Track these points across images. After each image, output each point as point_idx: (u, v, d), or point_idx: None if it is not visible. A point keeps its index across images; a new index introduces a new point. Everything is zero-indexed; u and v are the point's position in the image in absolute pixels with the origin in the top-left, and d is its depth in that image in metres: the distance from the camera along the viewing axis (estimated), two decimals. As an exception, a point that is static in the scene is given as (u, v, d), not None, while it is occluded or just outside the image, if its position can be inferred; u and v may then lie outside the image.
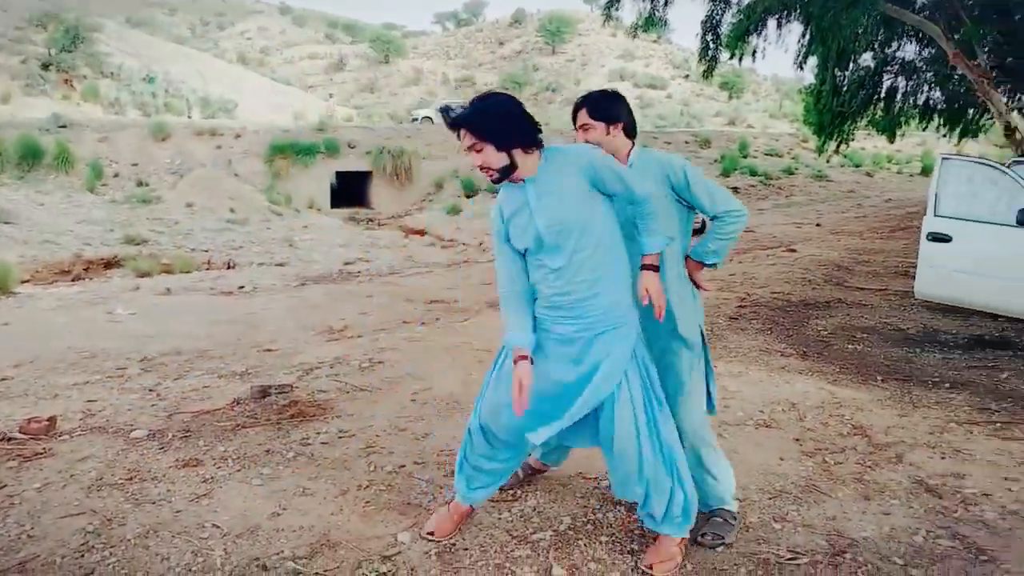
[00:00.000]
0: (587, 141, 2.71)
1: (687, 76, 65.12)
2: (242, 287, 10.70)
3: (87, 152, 20.51)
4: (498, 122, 2.41)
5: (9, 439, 3.78)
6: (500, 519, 2.94)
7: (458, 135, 2.47)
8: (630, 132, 2.76)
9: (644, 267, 2.52)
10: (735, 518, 2.82)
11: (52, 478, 3.26)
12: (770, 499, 3.12)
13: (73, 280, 12.37)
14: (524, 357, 2.49)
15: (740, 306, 7.22)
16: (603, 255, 2.46)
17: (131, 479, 3.31)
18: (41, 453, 3.56)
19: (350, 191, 24.19)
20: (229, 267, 13.80)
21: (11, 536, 2.80)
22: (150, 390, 4.77)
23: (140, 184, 20.01)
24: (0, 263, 10.06)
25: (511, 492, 3.16)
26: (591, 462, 3.46)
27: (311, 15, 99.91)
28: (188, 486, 3.23)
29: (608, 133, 2.72)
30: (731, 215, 2.65)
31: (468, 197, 23.13)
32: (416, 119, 34.16)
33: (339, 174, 24.03)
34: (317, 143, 23.59)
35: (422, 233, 19.70)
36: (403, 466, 3.46)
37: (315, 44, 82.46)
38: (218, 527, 2.88)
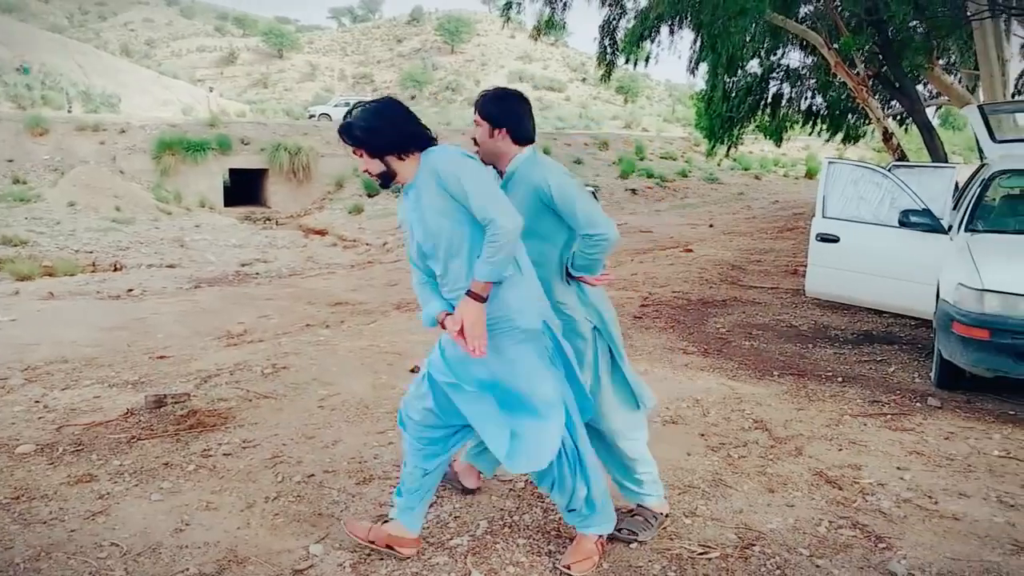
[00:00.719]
0: (475, 138, 2.71)
1: (584, 79, 66.54)
2: (131, 290, 10.17)
3: (-47, 146, 18.98)
4: (366, 129, 2.40)
5: None
6: (416, 525, 2.90)
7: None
8: (518, 138, 2.65)
9: (467, 293, 2.35)
10: (656, 517, 2.86)
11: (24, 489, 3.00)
12: (680, 494, 3.22)
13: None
14: (447, 315, 2.45)
15: (643, 305, 7.42)
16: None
17: (18, 498, 3.08)
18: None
19: (245, 189, 23.37)
20: (116, 269, 13.07)
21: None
22: (36, 401, 4.45)
23: (16, 182, 18.66)
24: None
25: (426, 497, 3.12)
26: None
27: (199, 7, 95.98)
28: (82, 503, 3.03)
29: (491, 136, 2.64)
30: (593, 239, 2.57)
31: (370, 196, 22.77)
32: (313, 115, 33.34)
33: (233, 171, 23.16)
34: (208, 139, 22.65)
35: (323, 233, 19.27)
36: (312, 475, 3.37)
37: (204, 37, 79.25)
38: (117, 545, 2.71)
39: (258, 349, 5.94)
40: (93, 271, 12.87)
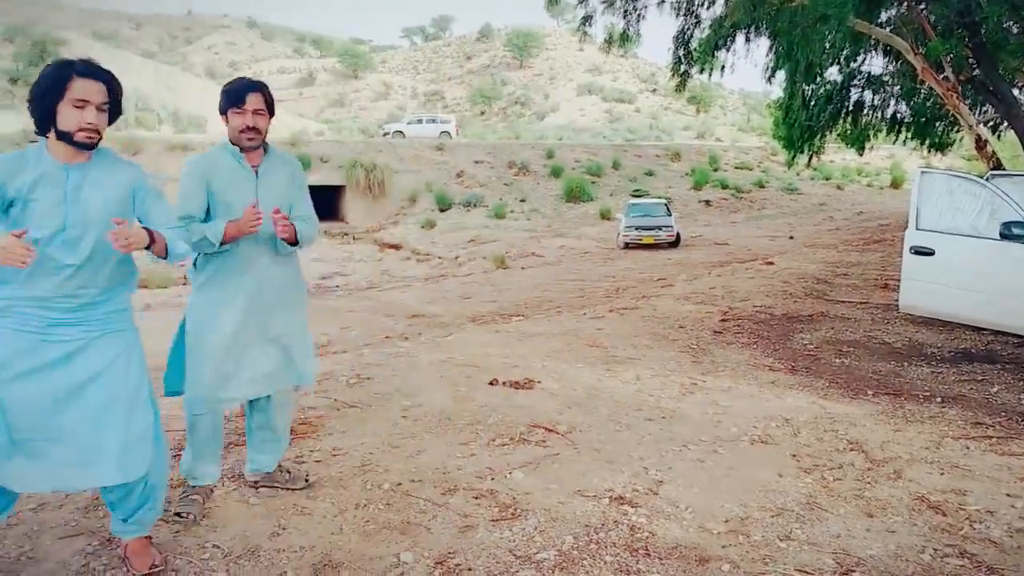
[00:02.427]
0: (256, 127, 2.90)
1: (655, 90, 65.99)
2: (218, 303, 10.58)
3: (53, 167, 20.17)
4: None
5: None
6: (502, 538, 2.93)
7: None
8: None
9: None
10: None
11: (47, 498, 3.18)
12: (772, 517, 3.15)
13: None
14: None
15: (723, 320, 7.30)
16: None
17: (124, 501, 3.24)
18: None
19: (323, 205, 24.04)
20: (202, 283, 13.62)
21: (11, 558, 2.73)
22: (136, 409, 4.67)
23: (109, 199, 19.68)
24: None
25: (511, 510, 3.15)
26: (588, 479, 3.48)
27: (279, 30, 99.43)
28: (186, 505, 3.16)
29: (268, 123, 3.00)
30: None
31: (442, 211, 23.12)
32: (387, 133, 34.10)
33: (312, 188, 23.79)
34: (289, 158, 23.44)
35: (398, 247, 19.64)
36: (400, 484, 3.43)
37: (284, 58, 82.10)
38: (219, 547, 2.83)
39: (342, 360, 6.09)
40: (185, 284, 13.44)
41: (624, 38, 13.57)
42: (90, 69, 2.34)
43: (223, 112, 2.93)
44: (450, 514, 3.12)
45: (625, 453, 3.80)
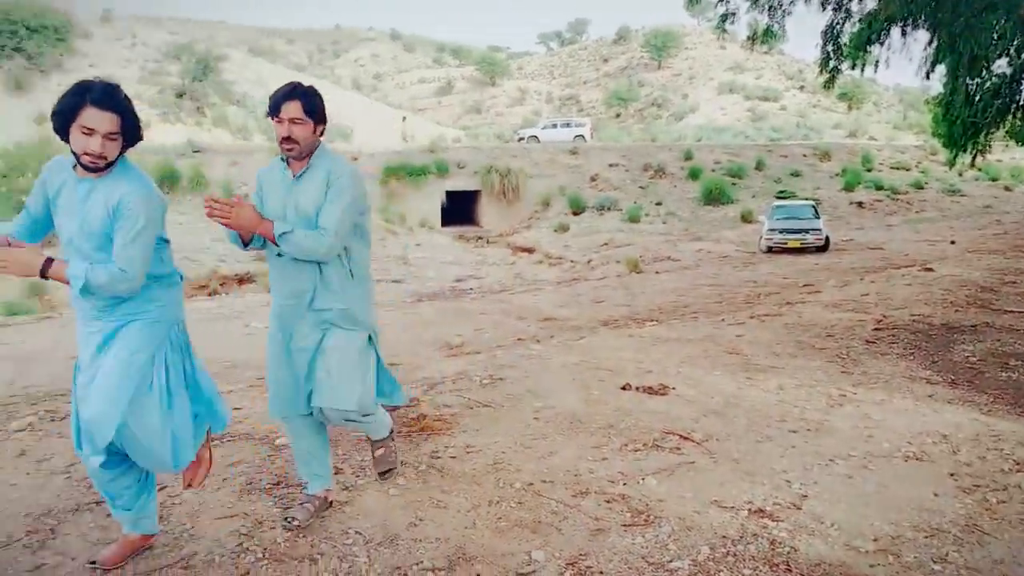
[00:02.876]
0: (289, 137, 2.78)
1: (802, 87, 63.05)
2: (362, 303, 11.08)
3: (219, 175, 21.89)
4: None
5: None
6: (634, 544, 2.89)
7: None
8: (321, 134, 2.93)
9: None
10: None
11: (207, 481, 3.45)
12: (927, 538, 2.93)
13: (210, 295, 13.19)
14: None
15: (877, 329, 6.87)
16: None
17: (278, 484, 3.47)
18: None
19: (459, 209, 24.73)
20: (348, 284, 14.35)
21: (175, 534, 3.00)
22: (286, 401, 4.99)
23: (265, 205, 21.14)
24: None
25: (644, 516, 3.10)
26: (726, 489, 3.37)
27: (420, 40, 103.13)
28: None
29: (314, 131, 2.83)
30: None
31: (575, 215, 23.15)
32: (522, 138, 34.55)
33: (449, 193, 24.61)
34: (428, 164, 24.27)
35: (530, 251, 19.86)
36: (531, 484, 3.47)
37: (424, 68, 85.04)
38: (360, 534, 2.97)
39: (476, 360, 6.23)
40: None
41: (768, 34, 13.06)
42: (104, 98, 2.39)
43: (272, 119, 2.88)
44: (581, 516, 3.12)
45: (766, 465, 3.65)
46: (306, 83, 2.87)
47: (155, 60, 41.74)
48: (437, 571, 2.70)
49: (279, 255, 2.88)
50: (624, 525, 3.03)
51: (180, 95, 37.31)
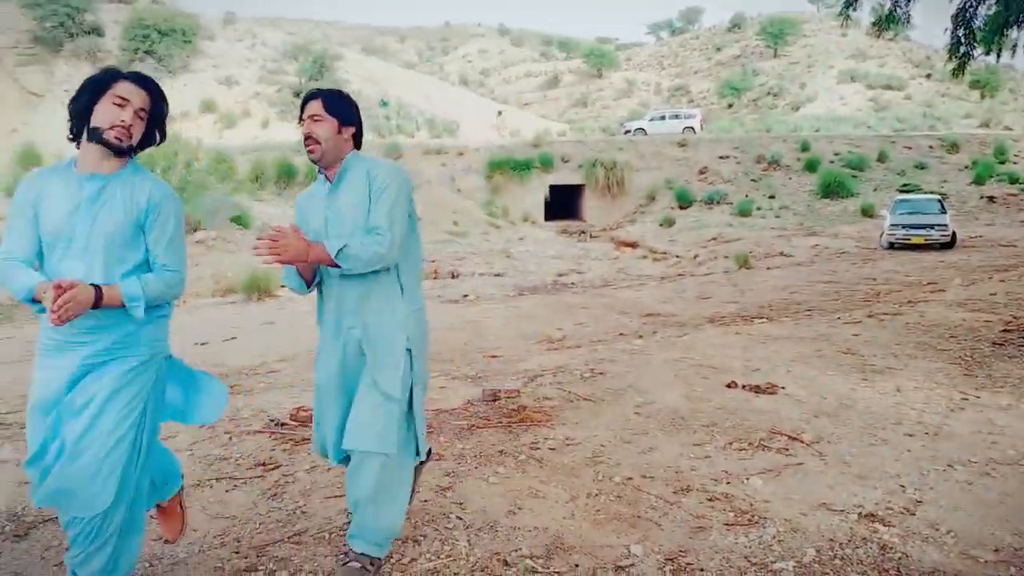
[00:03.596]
0: (311, 134, 2.59)
1: (929, 75, 59.29)
2: (466, 296, 11.29)
3: (332, 170, 22.76)
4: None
5: (281, 424, 4.27)
6: (737, 543, 2.83)
7: None
8: (358, 141, 2.71)
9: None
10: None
11: (319, 462, 3.62)
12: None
13: (321, 285, 13.76)
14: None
15: (1005, 331, 6.41)
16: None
17: (382, 468, 3.59)
18: (308, 439, 3.97)
19: (563, 204, 24.72)
20: (453, 276, 14.63)
21: (288, 510, 3.16)
22: (392, 388, 5.15)
23: (375, 199, 21.83)
24: (265, 270, 11.41)
25: (747, 516, 3.03)
26: (835, 492, 3.25)
27: (528, 35, 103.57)
28: (432, 478, 3.44)
29: (339, 132, 2.62)
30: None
31: (682, 209, 22.69)
32: (629, 131, 34.12)
33: (552, 187, 24.64)
34: (532, 158, 24.37)
35: (634, 245, 19.63)
36: (630, 478, 3.45)
37: (531, 62, 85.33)
38: (461, 519, 3.04)
39: (576, 354, 6.24)
40: (435, 278, 14.54)
41: (892, 19, 12.36)
42: (139, 77, 2.31)
43: None
44: (682, 513, 3.07)
45: (879, 468, 3.49)
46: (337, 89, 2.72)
47: (274, 60, 43.74)
48: (535, 559, 2.73)
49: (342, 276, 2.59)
50: (726, 524, 2.97)
51: (297, 94, 38.95)
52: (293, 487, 3.39)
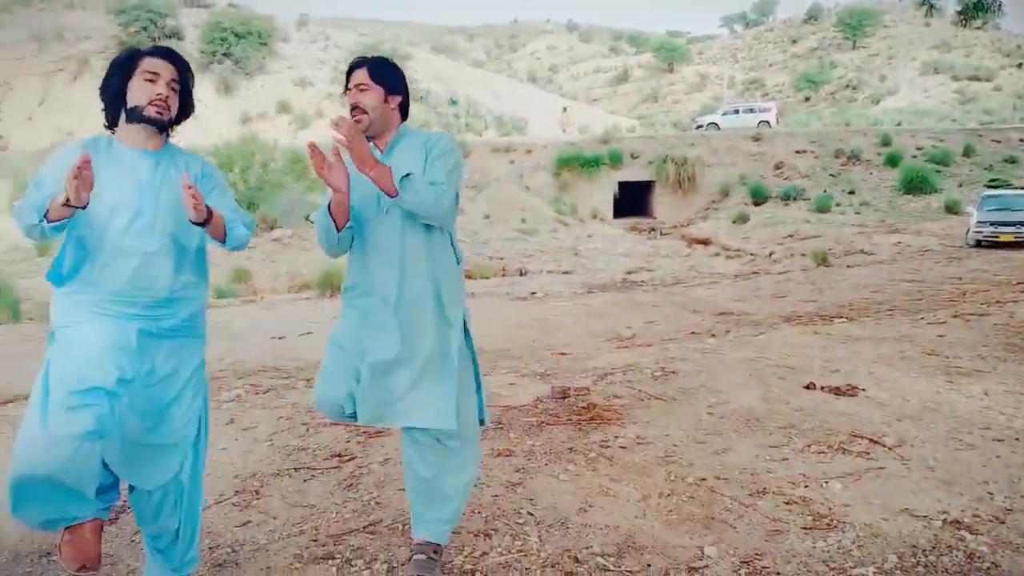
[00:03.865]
0: (358, 104, 2.48)
1: (1020, 64, 56.26)
2: (534, 293, 11.30)
3: (403, 169, 23.11)
4: None
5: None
6: (815, 547, 2.75)
7: None
8: (404, 111, 2.59)
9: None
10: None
11: (392, 455, 3.69)
12: None
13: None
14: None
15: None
16: None
17: (454, 463, 3.64)
18: (381, 432, 4.05)
19: (632, 201, 24.47)
20: (521, 274, 14.67)
21: (363, 501, 3.24)
22: (463, 383, 5.21)
23: (444, 197, 22.08)
24: (337, 267, 11.67)
25: (826, 521, 2.94)
26: (918, 498, 3.12)
27: (597, 30, 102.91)
28: (503, 473, 3.46)
29: (386, 101, 2.51)
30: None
31: (756, 205, 22.16)
32: (701, 125, 33.51)
33: (621, 184, 24.42)
34: (601, 155, 24.20)
35: (706, 242, 19.29)
36: (704, 479, 3.39)
37: (600, 58, 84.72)
38: (532, 515, 3.05)
39: (647, 353, 6.17)
40: (503, 275, 14.61)
41: (981, 8, 11.80)
42: (163, 50, 2.31)
43: None
44: (758, 516, 3.01)
45: (966, 475, 3.34)
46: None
47: (345, 61, 44.60)
48: (607, 557, 2.72)
49: (386, 212, 2.47)
50: (804, 528, 2.89)
51: (368, 94, 39.71)
52: (368, 478, 3.47)
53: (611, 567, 2.65)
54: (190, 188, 2.09)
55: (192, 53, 40.12)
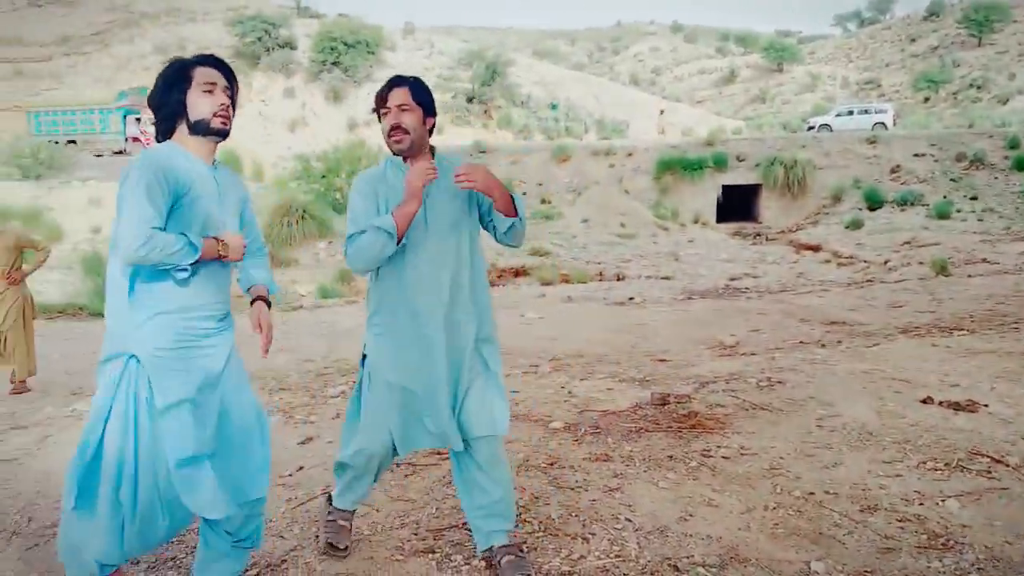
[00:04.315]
0: (399, 125, 2.48)
1: None
2: (632, 298, 11.19)
3: (502, 174, 23.30)
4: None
5: (455, 416, 4.46)
6: (929, 567, 2.62)
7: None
8: (431, 133, 2.61)
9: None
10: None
11: (512, 458, 3.74)
12: None
13: (490, 285, 14.20)
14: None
15: None
16: None
17: (552, 464, 3.66)
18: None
19: (737, 205, 23.82)
20: (619, 279, 14.55)
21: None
22: (561, 387, 5.23)
23: (543, 202, 22.18)
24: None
25: (942, 540, 2.79)
26: (1050, 523, 2.92)
27: (703, 31, 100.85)
28: (601, 478, 3.46)
29: (423, 122, 2.53)
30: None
31: (871, 210, 21.14)
32: (812, 127, 32.27)
33: (726, 187, 23.82)
34: (705, 157, 23.68)
35: (816, 248, 18.56)
36: (812, 493, 3.28)
37: (705, 59, 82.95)
38: (630, 521, 3.04)
39: (751, 361, 6.01)
40: (600, 280, 14.54)
41: None
42: (210, 58, 2.32)
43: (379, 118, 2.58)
44: (868, 532, 2.89)
45: (1104, 502, 3.10)
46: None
47: (449, 67, 45.49)
48: (708, 567, 2.67)
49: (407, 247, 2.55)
50: (918, 547, 2.76)
51: (470, 99, 40.32)
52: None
53: (712, 577, 2.61)
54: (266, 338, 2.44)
55: (303, 62, 41.95)
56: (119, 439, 2.15)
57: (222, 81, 2.29)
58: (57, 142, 29.75)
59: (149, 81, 2.43)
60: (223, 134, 2.30)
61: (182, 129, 2.28)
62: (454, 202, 2.56)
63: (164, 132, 2.31)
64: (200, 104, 2.24)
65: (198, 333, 2.24)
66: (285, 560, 2.84)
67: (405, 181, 2.44)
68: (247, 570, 2.69)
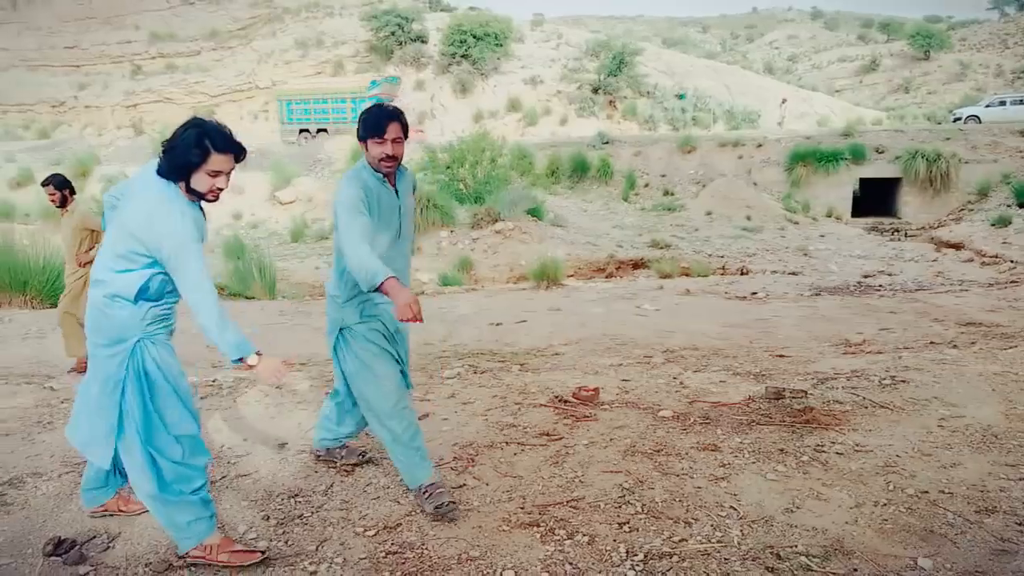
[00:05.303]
0: (392, 156, 3.00)
1: None
2: (755, 293, 10.94)
3: (624, 165, 23.21)
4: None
5: (564, 401, 4.62)
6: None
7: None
8: None
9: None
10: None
11: (596, 438, 3.89)
12: None
13: (607, 277, 14.22)
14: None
15: None
16: None
17: (659, 451, 3.75)
18: (588, 416, 4.27)
19: (874, 199, 22.62)
20: (743, 273, 14.22)
21: (567, 478, 3.46)
22: (673, 378, 5.28)
23: (666, 193, 21.88)
24: (553, 260, 12.12)
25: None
26: None
27: (844, 17, 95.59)
28: (707, 467, 3.53)
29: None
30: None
31: (1021, 207, 19.57)
32: (959, 118, 30.07)
33: (863, 181, 22.65)
34: (841, 149, 22.61)
35: (958, 246, 17.42)
36: (926, 492, 3.22)
37: (846, 47, 78.65)
38: (735, 509, 3.10)
39: (876, 360, 5.82)
40: (722, 273, 14.26)
41: None
42: (226, 145, 2.57)
43: (362, 139, 3.03)
44: (983, 533, 2.82)
45: None
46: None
47: (575, 58, 45.36)
48: (811, 557, 2.71)
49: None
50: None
51: (595, 90, 40.07)
52: (572, 458, 3.69)
53: (815, 568, 2.65)
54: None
55: (434, 56, 43.08)
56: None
57: (229, 167, 2.61)
58: (307, 130, 31.51)
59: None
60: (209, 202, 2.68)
61: (182, 185, 2.61)
62: (409, 199, 3.25)
63: (167, 170, 2.59)
64: (202, 182, 2.59)
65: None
66: (400, 524, 3.09)
67: (398, 311, 2.71)
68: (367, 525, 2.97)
